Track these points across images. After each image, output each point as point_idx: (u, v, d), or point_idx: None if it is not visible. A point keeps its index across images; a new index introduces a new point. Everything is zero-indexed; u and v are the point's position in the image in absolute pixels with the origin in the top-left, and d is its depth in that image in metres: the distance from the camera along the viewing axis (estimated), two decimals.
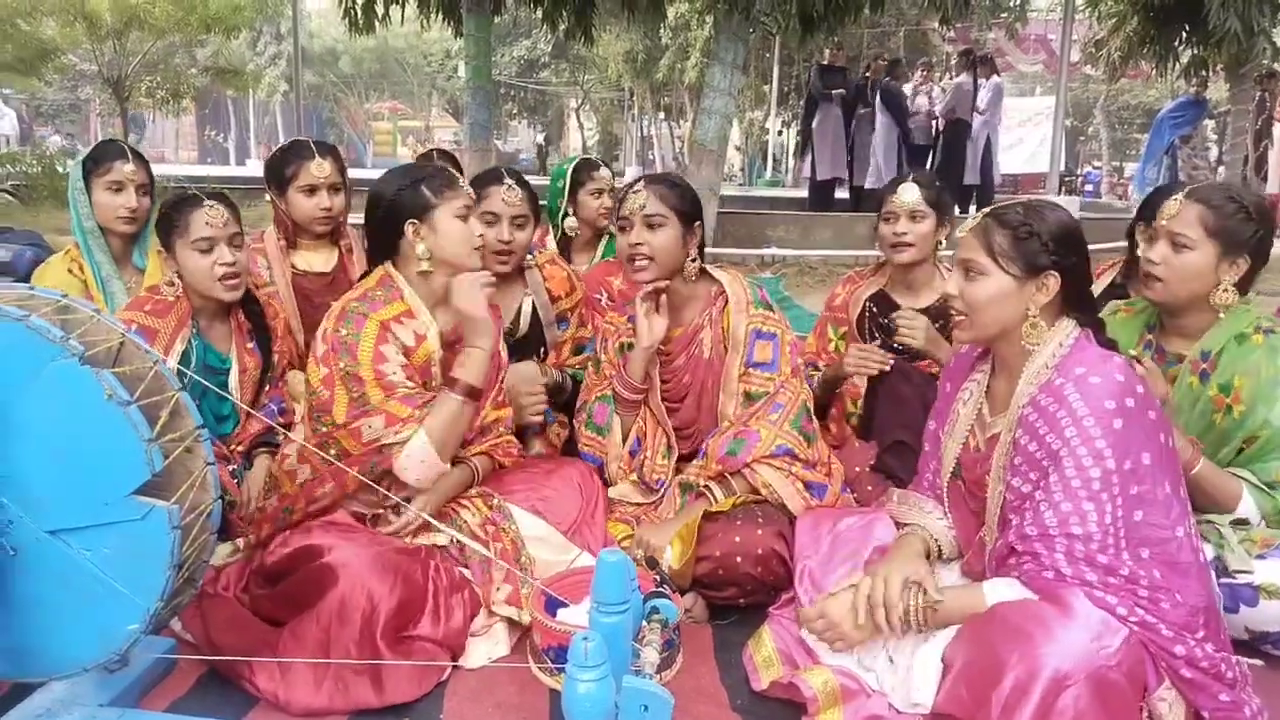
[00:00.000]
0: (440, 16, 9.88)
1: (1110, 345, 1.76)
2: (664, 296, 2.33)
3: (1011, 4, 9.05)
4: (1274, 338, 2.08)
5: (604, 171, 3.44)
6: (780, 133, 23.09)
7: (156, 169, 3.13)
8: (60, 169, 12.33)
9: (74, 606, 1.50)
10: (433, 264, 2.13)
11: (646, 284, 2.28)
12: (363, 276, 2.25)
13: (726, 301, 2.35)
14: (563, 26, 9.90)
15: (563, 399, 2.69)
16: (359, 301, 2.10)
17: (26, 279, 6.00)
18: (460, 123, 34.55)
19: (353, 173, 3.20)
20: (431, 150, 3.54)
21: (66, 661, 1.55)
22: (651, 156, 27.98)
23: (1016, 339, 1.76)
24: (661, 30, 18.76)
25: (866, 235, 9.14)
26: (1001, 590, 1.71)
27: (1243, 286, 2.12)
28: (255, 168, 23.96)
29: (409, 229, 2.12)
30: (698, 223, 2.32)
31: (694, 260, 2.33)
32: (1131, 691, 1.56)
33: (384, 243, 2.19)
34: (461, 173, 3.34)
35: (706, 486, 2.22)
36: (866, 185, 10.42)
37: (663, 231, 2.25)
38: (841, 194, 11.01)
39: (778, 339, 2.32)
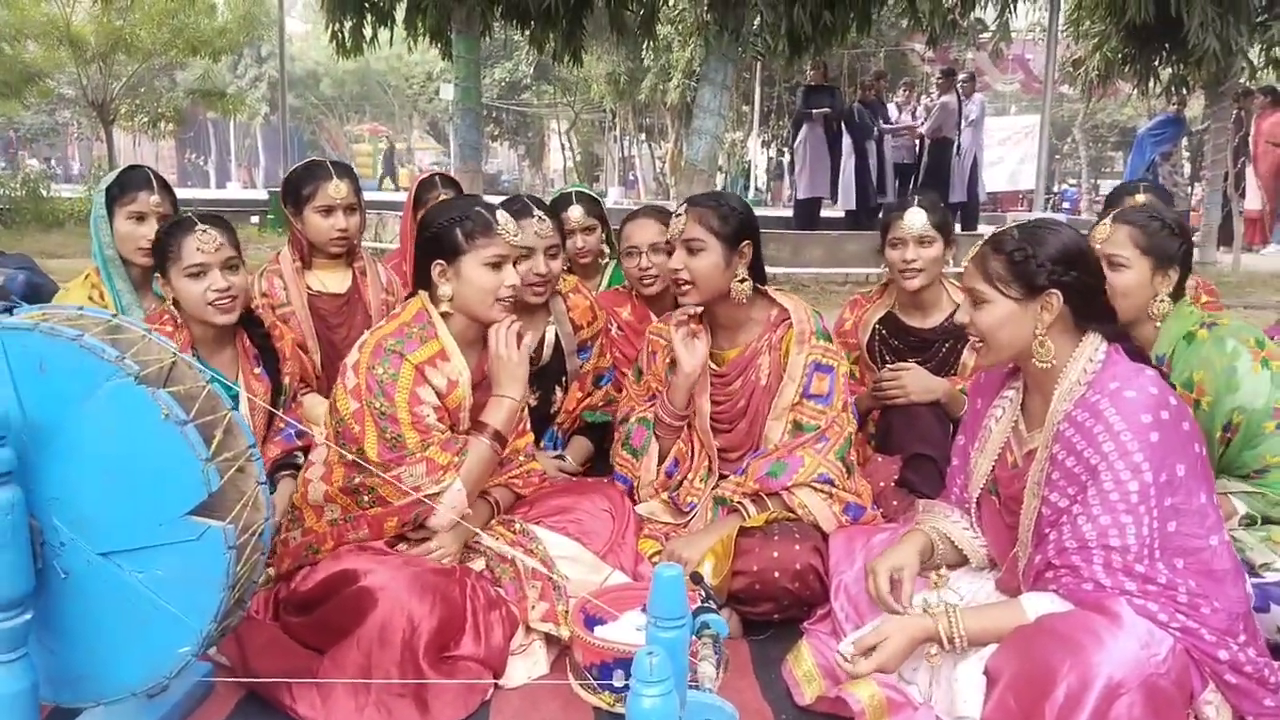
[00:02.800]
0: (428, 39, 9.93)
1: (1140, 357, 1.79)
2: (701, 322, 2.32)
3: (993, 26, 9.21)
4: (1218, 329, 2.16)
5: (574, 211, 3.22)
6: (768, 153, 23.26)
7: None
8: (44, 193, 12.28)
9: (125, 629, 1.49)
10: (453, 308, 2.12)
11: (691, 306, 2.29)
12: (409, 297, 2.24)
13: (788, 328, 2.35)
14: (550, 49, 9.96)
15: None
16: (396, 339, 2.07)
17: (24, 301, 5.97)
18: (441, 144, 34.70)
19: None
20: (435, 175, 3.52)
21: (115, 686, 1.53)
22: (632, 177, 28.10)
23: (1032, 358, 1.78)
24: (644, 52, 18.88)
25: (857, 253, 9.30)
26: (1040, 604, 1.72)
27: (1176, 295, 2.21)
28: (235, 191, 23.88)
29: (435, 270, 2.11)
30: (746, 243, 2.30)
31: (743, 281, 2.31)
32: (1180, 697, 1.58)
33: (421, 274, 2.18)
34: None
35: (740, 503, 2.22)
36: (839, 205, 10.56)
37: (703, 256, 2.25)
38: (829, 212, 11.10)
39: (834, 372, 2.33)
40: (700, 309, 2.32)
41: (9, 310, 4.63)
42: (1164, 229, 2.17)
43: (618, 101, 23.81)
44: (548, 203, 2.90)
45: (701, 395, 2.36)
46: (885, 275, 2.93)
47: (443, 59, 10.74)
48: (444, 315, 2.12)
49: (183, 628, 1.48)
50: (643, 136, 27.14)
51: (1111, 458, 1.66)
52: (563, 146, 31.65)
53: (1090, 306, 1.77)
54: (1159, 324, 2.19)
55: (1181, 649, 1.59)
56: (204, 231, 2.39)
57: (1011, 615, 1.73)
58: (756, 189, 22.67)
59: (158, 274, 2.47)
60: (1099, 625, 1.57)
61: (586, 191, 3.36)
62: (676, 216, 2.28)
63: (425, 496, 1.99)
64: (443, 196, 3.33)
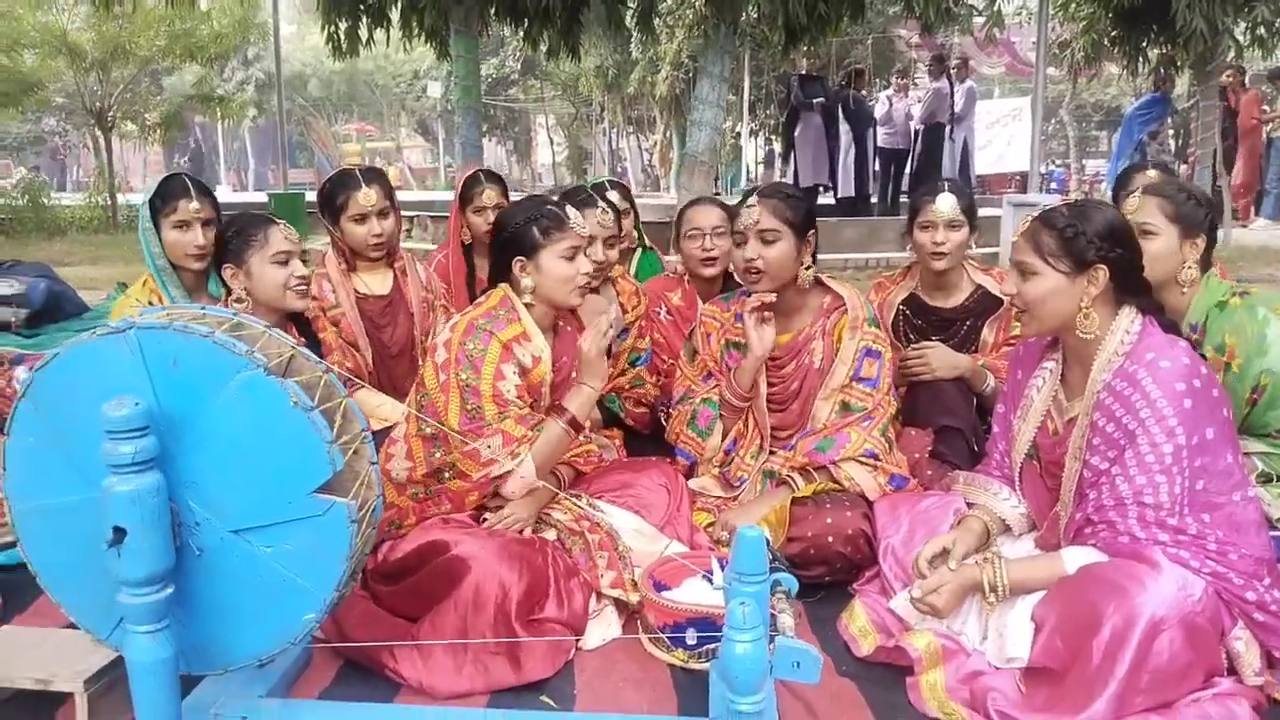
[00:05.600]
0: (424, 39, 10.02)
1: (1172, 329, 1.94)
2: (772, 308, 2.47)
3: (985, 11, 9.33)
4: (1249, 298, 2.33)
5: (611, 197, 3.31)
6: (755, 142, 23.34)
7: (125, 199, 3.17)
8: (45, 202, 12.33)
9: (254, 600, 1.62)
10: (535, 298, 2.30)
11: (760, 294, 2.44)
12: (486, 290, 2.41)
13: (841, 314, 2.50)
14: (544, 46, 10.07)
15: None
16: (485, 319, 2.25)
17: (42, 311, 6.06)
18: (429, 142, 34.66)
19: None
20: (479, 171, 3.65)
21: (245, 653, 1.67)
22: (620, 169, 28.17)
23: (1075, 329, 1.92)
24: (632, 44, 18.96)
25: (853, 239, 9.45)
26: (1080, 556, 1.88)
27: (1203, 265, 2.37)
28: (226, 194, 23.84)
29: (516, 265, 2.29)
30: (811, 232, 2.47)
31: (808, 268, 2.47)
32: (1214, 633, 1.74)
33: (501, 269, 2.35)
34: (507, 193, 3.48)
35: (789, 476, 2.37)
36: (840, 193, 10.70)
37: (777, 245, 2.41)
38: (824, 199, 11.24)
39: (882, 357, 2.48)
40: (772, 296, 2.46)
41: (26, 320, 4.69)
42: (1190, 200, 2.33)
43: (606, 94, 23.88)
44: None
45: (759, 377, 2.51)
46: (911, 257, 3.08)
47: (438, 58, 10.81)
48: (527, 306, 2.30)
49: (308, 596, 1.61)
50: (630, 129, 27.21)
51: (1148, 423, 1.81)
52: (551, 141, 31.69)
53: (1130, 281, 1.91)
54: (1185, 290, 2.34)
55: (1213, 591, 1.74)
56: (286, 224, 2.65)
57: (1052, 566, 1.89)
58: (749, 179, 22.78)
59: (228, 263, 2.63)
60: (1140, 571, 1.72)
61: (619, 181, 3.52)
62: (749, 208, 2.42)
63: (503, 474, 2.16)
64: (487, 191, 3.48)
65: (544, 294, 2.29)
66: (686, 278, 3.32)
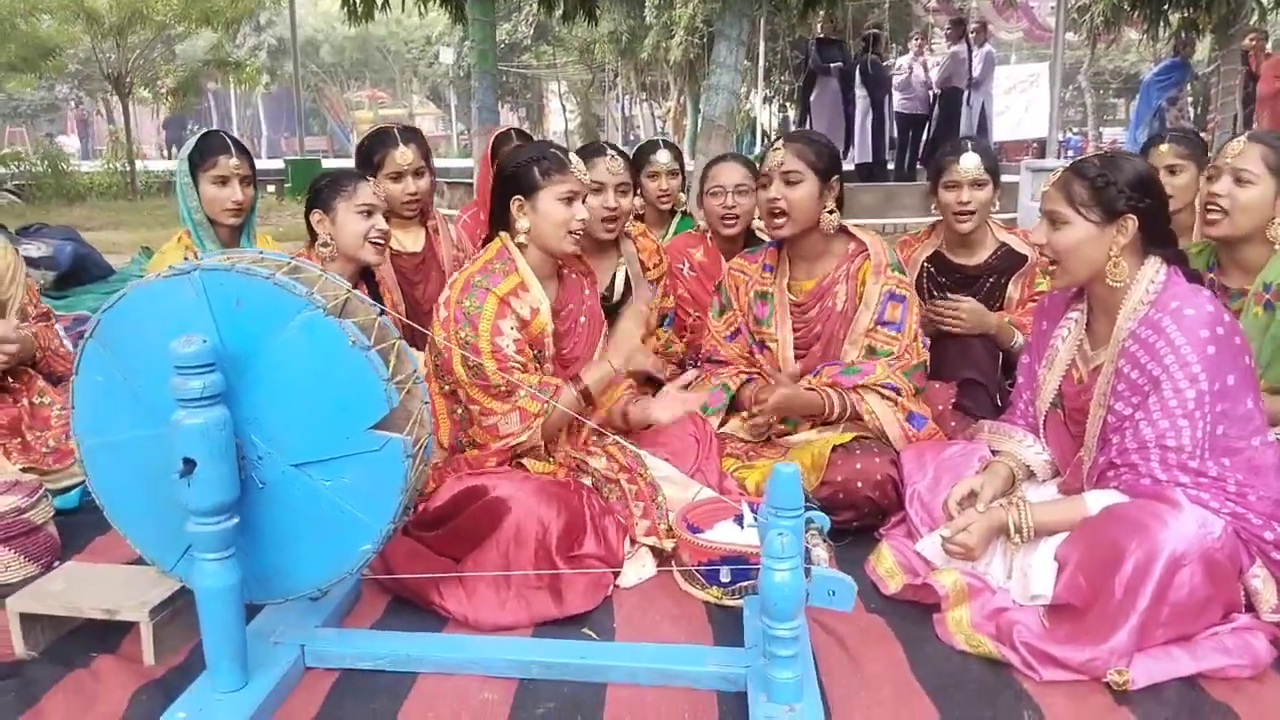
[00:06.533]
0: (439, 2, 10.01)
1: (1196, 278, 1.98)
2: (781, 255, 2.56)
3: None
4: None
5: (661, 155, 3.51)
6: (770, 109, 23.20)
7: (142, 165, 3.24)
8: (65, 167, 12.41)
9: (314, 531, 1.70)
10: (530, 240, 2.31)
11: (781, 237, 2.51)
12: (484, 243, 2.45)
13: (865, 259, 2.56)
14: (559, 10, 10.05)
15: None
16: (481, 275, 2.27)
17: (69, 273, 6.15)
18: (441, 109, 34.53)
19: (337, 162, 3.33)
20: (510, 130, 3.70)
21: (305, 582, 1.75)
22: (633, 136, 28.04)
23: (1105, 279, 1.97)
24: (646, 9, 18.84)
25: (871, 205, 9.45)
26: (1102, 499, 1.93)
27: None
28: None
29: (514, 205, 2.30)
30: (835, 178, 2.52)
31: (831, 213, 2.53)
32: (1232, 570, 1.81)
33: (499, 214, 2.37)
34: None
35: (823, 389, 2.47)
36: (857, 159, 10.68)
37: (800, 187, 2.47)
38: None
39: (906, 302, 2.54)
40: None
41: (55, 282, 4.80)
42: None
43: (619, 60, 23.73)
44: (632, 153, 3.17)
45: (783, 325, 2.57)
46: (935, 218, 3.12)
47: (453, 22, 10.80)
48: (521, 247, 2.32)
49: (365, 529, 1.69)
50: (643, 96, 27.05)
51: (1172, 369, 1.86)
52: (563, 108, 31.56)
53: (1157, 231, 1.96)
54: (1277, 245, 2.31)
55: (1232, 530, 1.80)
56: (374, 181, 2.83)
57: (1076, 508, 1.95)
58: (762, 143, 22.67)
59: (317, 208, 2.76)
60: (1161, 509, 1.78)
61: (671, 141, 3.58)
62: (774, 150, 2.48)
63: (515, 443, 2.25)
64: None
65: (538, 237, 2.30)
66: (709, 235, 3.37)
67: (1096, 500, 1.94)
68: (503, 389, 2.20)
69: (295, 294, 1.60)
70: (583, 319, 2.44)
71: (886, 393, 2.45)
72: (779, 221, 2.49)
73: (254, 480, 1.67)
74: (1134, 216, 1.93)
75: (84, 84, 23.78)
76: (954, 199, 2.92)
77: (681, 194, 3.57)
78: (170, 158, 23.62)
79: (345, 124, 32.70)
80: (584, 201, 2.32)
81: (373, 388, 1.62)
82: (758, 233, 3.41)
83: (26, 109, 29.98)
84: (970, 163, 2.88)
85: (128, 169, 12.78)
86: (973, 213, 2.91)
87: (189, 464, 1.56)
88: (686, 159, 3.93)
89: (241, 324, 1.62)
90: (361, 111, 32.88)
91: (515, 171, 2.32)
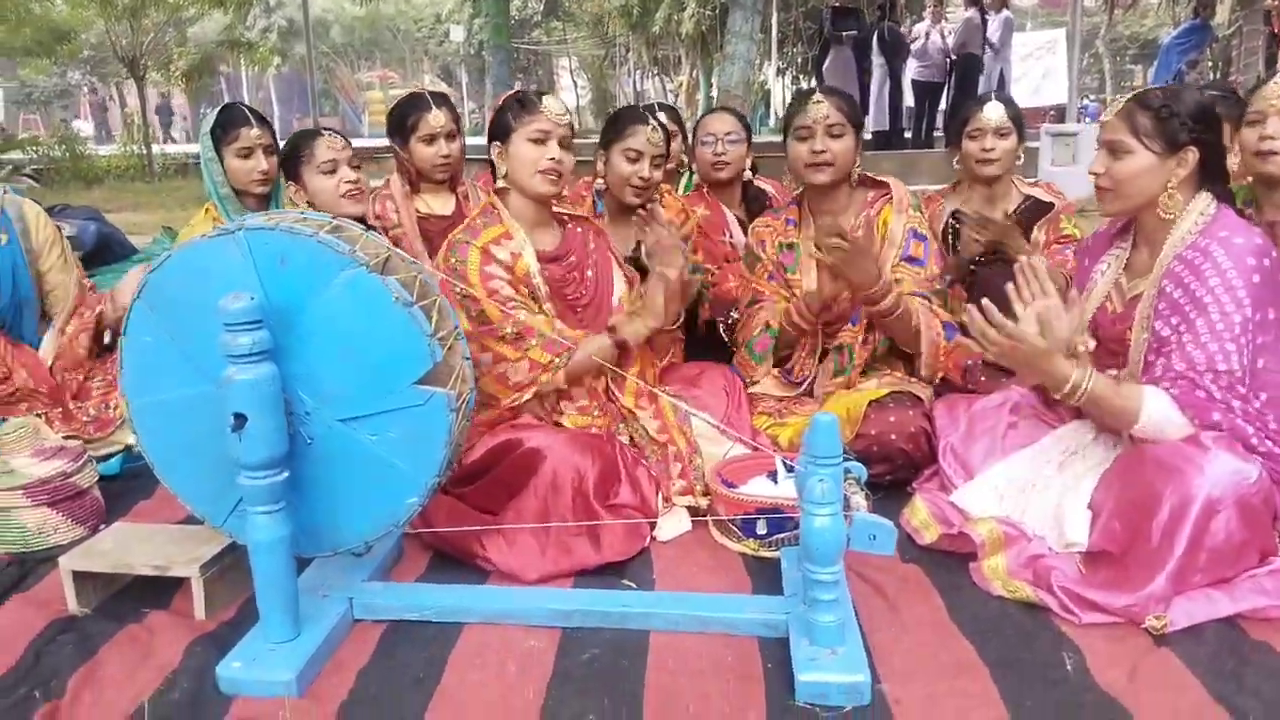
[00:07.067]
0: None
1: (1243, 216, 1.99)
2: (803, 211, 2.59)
3: None
4: None
5: (659, 117, 3.56)
6: (783, 81, 23.06)
7: (161, 148, 3.30)
8: (82, 151, 12.47)
9: (361, 485, 1.73)
10: (510, 185, 2.36)
11: (822, 184, 2.56)
12: None
13: (884, 203, 2.60)
14: None
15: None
16: (463, 232, 2.34)
17: (93, 252, 6.21)
18: (453, 88, 34.43)
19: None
20: (516, 92, 3.72)
21: (353, 535, 1.79)
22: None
23: (1156, 210, 1.98)
24: None
25: (889, 172, 9.38)
26: (1158, 402, 1.86)
27: None
28: None
29: (494, 151, 2.35)
30: (861, 130, 2.59)
31: (858, 166, 2.60)
32: (1267, 514, 1.82)
33: (492, 168, 2.41)
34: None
35: (872, 311, 2.49)
36: (873, 127, 10.61)
37: (843, 139, 2.52)
38: None
39: (928, 241, 2.59)
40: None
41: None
42: None
43: (631, 34, 23.61)
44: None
45: (808, 273, 2.61)
46: (958, 172, 3.13)
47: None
48: (501, 194, 2.38)
49: (410, 482, 1.73)
50: (655, 70, 26.92)
51: (1217, 291, 1.86)
52: (574, 84, 31.43)
53: (1214, 166, 1.97)
54: None
55: (1266, 475, 1.81)
56: (331, 134, 2.87)
57: (1132, 397, 1.89)
58: (777, 114, 22.56)
59: (289, 181, 2.83)
60: (1196, 454, 1.79)
61: (668, 104, 3.64)
62: (815, 104, 2.51)
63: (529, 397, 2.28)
64: None
65: (514, 179, 2.34)
66: (706, 188, 3.47)
67: (1153, 399, 1.87)
68: (510, 334, 2.23)
69: (339, 251, 1.63)
70: (590, 271, 2.46)
71: (920, 300, 2.51)
72: (822, 170, 2.53)
73: (302, 436, 1.71)
74: (1195, 149, 1.94)
75: (96, 68, 23.81)
76: (977, 148, 2.96)
77: (684, 154, 3.65)
78: (164, 141, 23.66)
79: (356, 105, 32.65)
80: (561, 145, 2.32)
81: (416, 343, 1.65)
82: (755, 183, 3.54)
83: (40, 95, 30.08)
84: (994, 112, 2.92)
85: (144, 151, 12.84)
86: (996, 160, 2.93)
87: (239, 419, 1.59)
88: None
89: (286, 282, 1.65)
90: (373, 92, 32.82)
91: (494, 119, 2.39)
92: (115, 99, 27.89)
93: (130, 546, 2.00)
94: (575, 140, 2.40)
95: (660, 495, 2.27)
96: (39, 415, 2.62)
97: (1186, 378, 1.86)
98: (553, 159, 2.30)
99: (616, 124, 2.84)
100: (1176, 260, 1.94)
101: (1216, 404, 1.83)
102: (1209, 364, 1.84)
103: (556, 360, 2.26)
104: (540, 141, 2.30)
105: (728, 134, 3.36)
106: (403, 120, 3.14)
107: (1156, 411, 1.87)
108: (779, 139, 2.81)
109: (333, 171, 2.83)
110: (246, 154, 2.96)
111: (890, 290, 2.43)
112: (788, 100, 20.79)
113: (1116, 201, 2.02)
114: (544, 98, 2.35)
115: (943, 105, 10.95)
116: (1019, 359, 1.93)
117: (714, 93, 15.17)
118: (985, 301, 1.92)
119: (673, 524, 2.22)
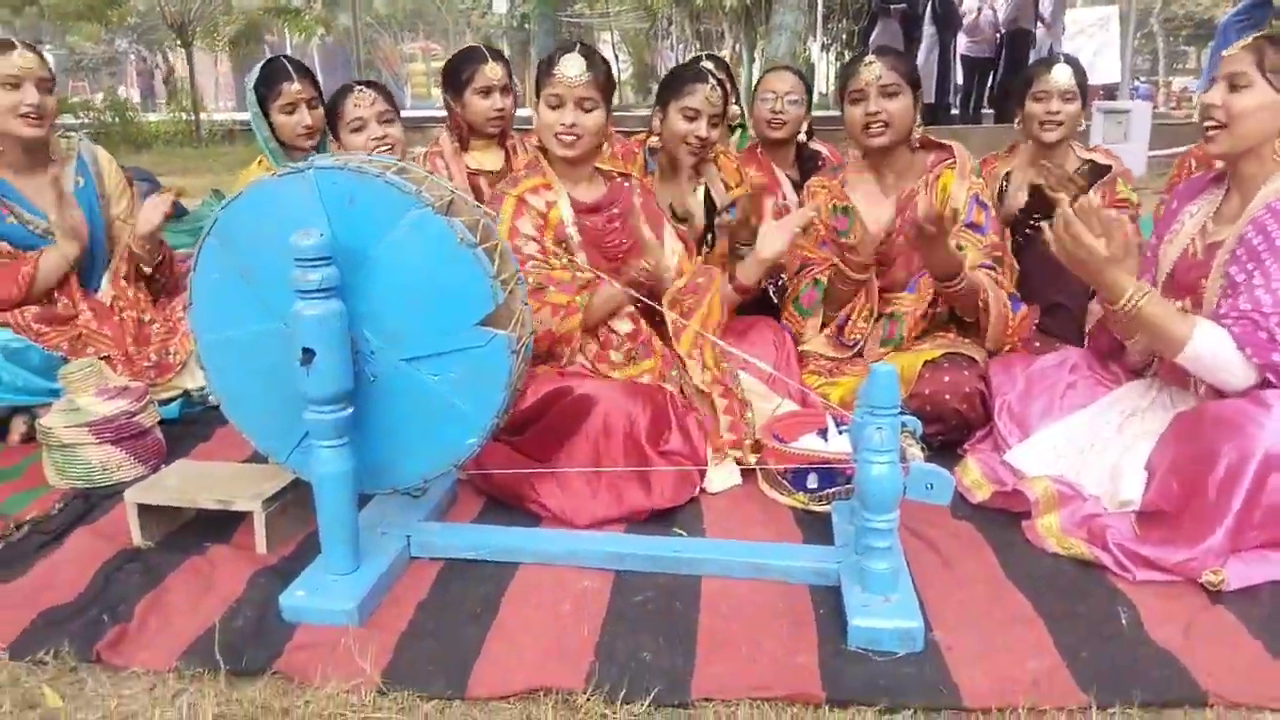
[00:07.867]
0: None
1: None
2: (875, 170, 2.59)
3: None
4: None
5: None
6: (828, 56, 22.77)
7: (206, 116, 3.36)
8: (132, 116, 12.64)
9: (422, 424, 1.76)
10: (540, 138, 2.44)
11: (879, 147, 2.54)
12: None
13: (946, 168, 2.57)
14: None
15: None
16: (505, 184, 2.41)
17: None
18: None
19: None
20: (701, 55, 3.76)
21: (413, 473, 1.82)
22: None
23: (1262, 155, 1.94)
24: None
25: None
26: (1211, 335, 1.85)
27: None
28: None
29: (532, 110, 2.43)
30: (919, 91, 2.55)
31: (919, 126, 2.57)
32: None
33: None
34: None
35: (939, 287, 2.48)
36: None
37: (899, 99, 2.49)
38: None
39: (989, 209, 2.56)
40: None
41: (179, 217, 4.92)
42: None
43: (674, 8, 23.39)
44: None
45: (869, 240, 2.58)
46: (1017, 133, 3.11)
47: None
48: (544, 150, 2.43)
49: (470, 422, 1.75)
50: (698, 44, 26.67)
51: None
52: (616, 58, 31.26)
53: None
54: None
55: None
56: (360, 91, 2.91)
57: (1185, 323, 1.88)
58: (820, 92, 22.31)
59: (333, 139, 2.90)
60: (1255, 411, 1.76)
61: (717, 55, 3.61)
62: (868, 65, 2.49)
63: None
64: None
65: (540, 135, 2.41)
66: (759, 148, 3.43)
67: (1205, 331, 1.86)
68: (531, 283, 2.23)
69: (405, 192, 1.65)
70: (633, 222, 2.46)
71: (987, 270, 2.48)
72: (879, 132, 2.50)
73: (366, 374, 1.74)
74: None
75: (144, 36, 24.04)
76: (1042, 109, 2.93)
77: (735, 106, 3.60)
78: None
79: (399, 76, 32.73)
80: (581, 107, 2.34)
81: (479, 284, 1.67)
82: (812, 146, 3.50)
83: (89, 63, 30.45)
84: (1062, 74, 2.90)
85: (192, 117, 12.99)
86: (1060, 123, 2.90)
87: (308, 354, 1.62)
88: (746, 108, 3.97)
89: (354, 222, 1.67)
90: (415, 64, 32.88)
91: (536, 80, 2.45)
92: (161, 68, 28.16)
93: (193, 482, 2.05)
94: (616, 113, 2.42)
95: (711, 447, 2.29)
96: (104, 358, 2.68)
97: (1249, 318, 1.83)
98: (564, 124, 2.33)
99: (675, 82, 2.83)
100: (1265, 209, 1.90)
101: (1276, 345, 1.80)
102: (1276, 307, 1.82)
103: (576, 299, 2.28)
104: (556, 106, 2.34)
105: (788, 93, 3.31)
106: (457, 73, 3.15)
107: (1208, 344, 1.85)
108: (823, 114, 2.79)
109: (361, 129, 2.86)
110: (290, 109, 3.02)
111: (961, 265, 2.41)
112: (832, 77, 20.51)
113: (1227, 140, 1.97)
114: (563, 59, 2.37)
115: (990, 82, 10.79)
116: (1080, 260, 1.92)
117: (756, 67, 15.03)
118: (1064, 208, 1.91)
119: (723, 476, 2.24)
